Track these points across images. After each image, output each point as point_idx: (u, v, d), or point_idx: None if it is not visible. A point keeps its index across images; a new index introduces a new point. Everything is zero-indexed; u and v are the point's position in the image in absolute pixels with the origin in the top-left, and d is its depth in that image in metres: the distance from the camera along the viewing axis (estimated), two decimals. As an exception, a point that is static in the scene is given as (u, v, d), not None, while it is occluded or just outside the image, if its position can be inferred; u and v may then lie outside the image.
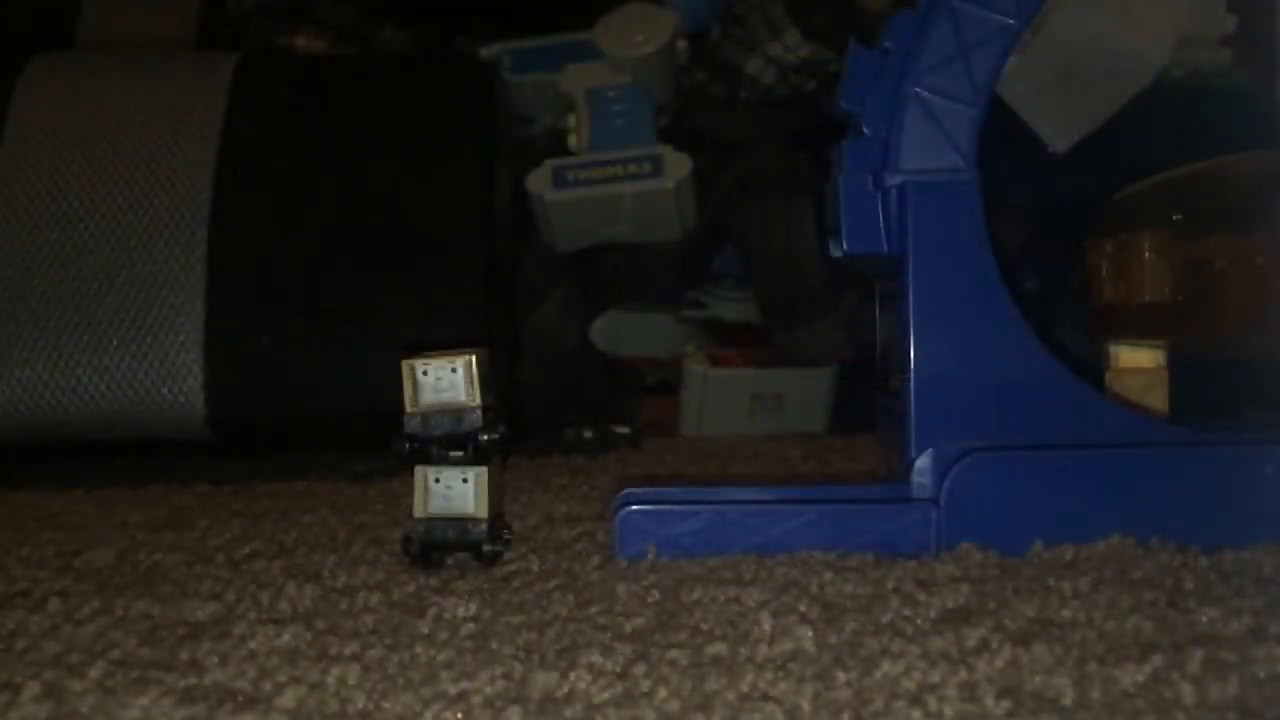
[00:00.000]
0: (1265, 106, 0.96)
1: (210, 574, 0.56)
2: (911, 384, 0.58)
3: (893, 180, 0.59)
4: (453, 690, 0.39)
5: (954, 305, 0.59)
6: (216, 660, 0.43)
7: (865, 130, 0.60)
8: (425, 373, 0.55)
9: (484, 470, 0.56)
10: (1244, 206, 0.64)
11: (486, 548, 0.56)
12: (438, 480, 0.56)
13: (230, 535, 0.66)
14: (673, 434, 1.13)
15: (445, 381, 0.55)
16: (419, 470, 0.56)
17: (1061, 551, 0.55)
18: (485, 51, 1.14)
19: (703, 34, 1.17)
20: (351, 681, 0.40)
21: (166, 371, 0.83)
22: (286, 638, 0.45)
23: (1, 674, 0.42)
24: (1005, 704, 0.37)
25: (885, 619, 0.46)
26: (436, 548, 0.56)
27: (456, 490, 0.56)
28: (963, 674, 0.40)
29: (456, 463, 0.56)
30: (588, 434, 1.06)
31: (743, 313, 1.17)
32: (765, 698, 0.38)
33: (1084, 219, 0.76)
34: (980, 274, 0.59)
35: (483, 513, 0.56)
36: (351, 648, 0.44)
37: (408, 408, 0.55)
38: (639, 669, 0.41)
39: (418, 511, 0.56)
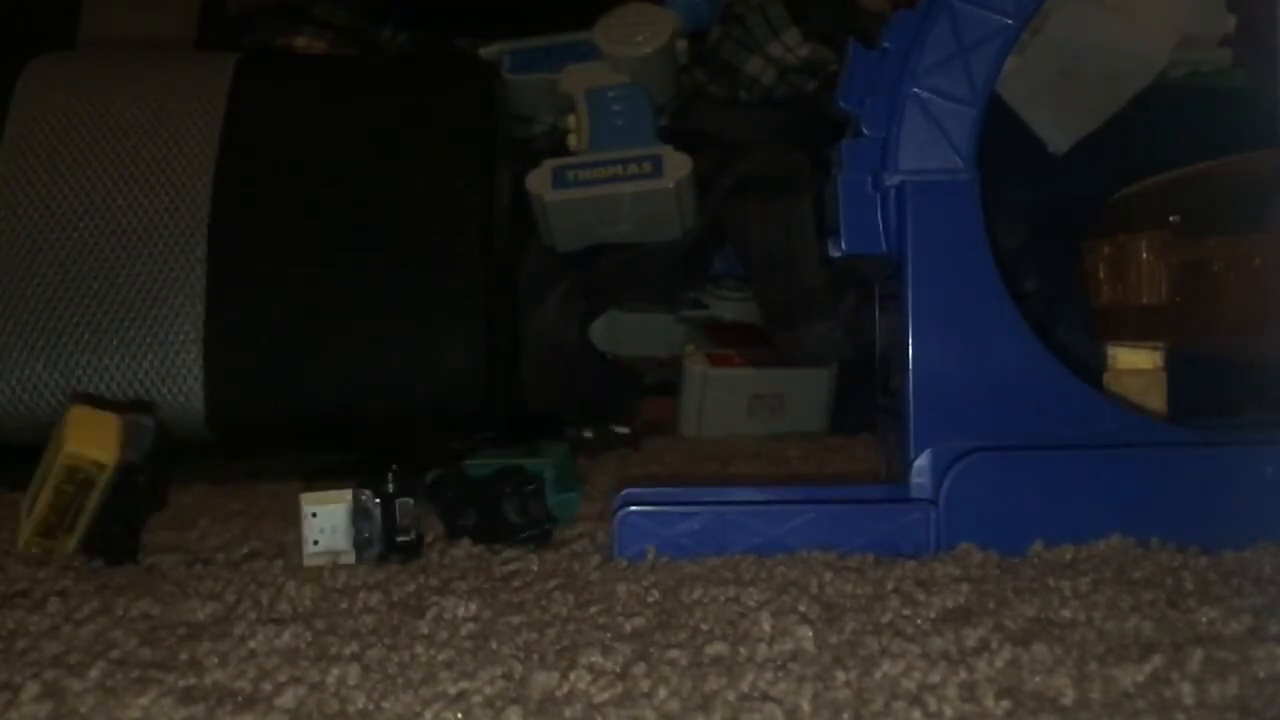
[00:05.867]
0: (1265, 106, 0.96)
1: (210, 574, 0.56)
2: (911, 384, 0.58)
3: (892, 180, 0.59)
4: (453, 690, 0.39)
5: (953, 305, 0.59)
6: (216, 660, 0.43)
7: (864, 130, 0.60)
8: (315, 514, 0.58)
9: None
10: (1243, 207, 0.64)
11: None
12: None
13: (230, 535, 0.66)
14: (673, 434, 1.12)
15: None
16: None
17: (1061, 551, 0.55)
18: (485, 51, 1.14)
19: (703, 34, 1.16)
20: (351, 681, 0.40)
21: (166, 371, 0.83)
22: (286, 638, 0.45)
23: (1, 674, 0.42)
24: (1005, 704, 0.37)
25: (885, 619, 0.46)
26: None
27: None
28: (963, 674, 0.40)
29: None
30: (588, 434, 1.06)
31: (743, 313, 1.17)
32: (765, 698, 0.38)
33: (1084, 219, 0.76)
34: (980, 274, 0.59)
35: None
36: (351, 648, 0.44)
37: None
38: (639, 669, 0.41)
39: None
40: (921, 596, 0.49)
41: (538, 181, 1.07)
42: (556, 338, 1.09)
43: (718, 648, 0.43)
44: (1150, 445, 0.58)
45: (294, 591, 0.52)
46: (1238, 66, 1.07)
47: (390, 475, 0.59)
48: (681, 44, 1.13)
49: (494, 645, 0.44)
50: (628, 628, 0.46)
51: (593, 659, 0.42)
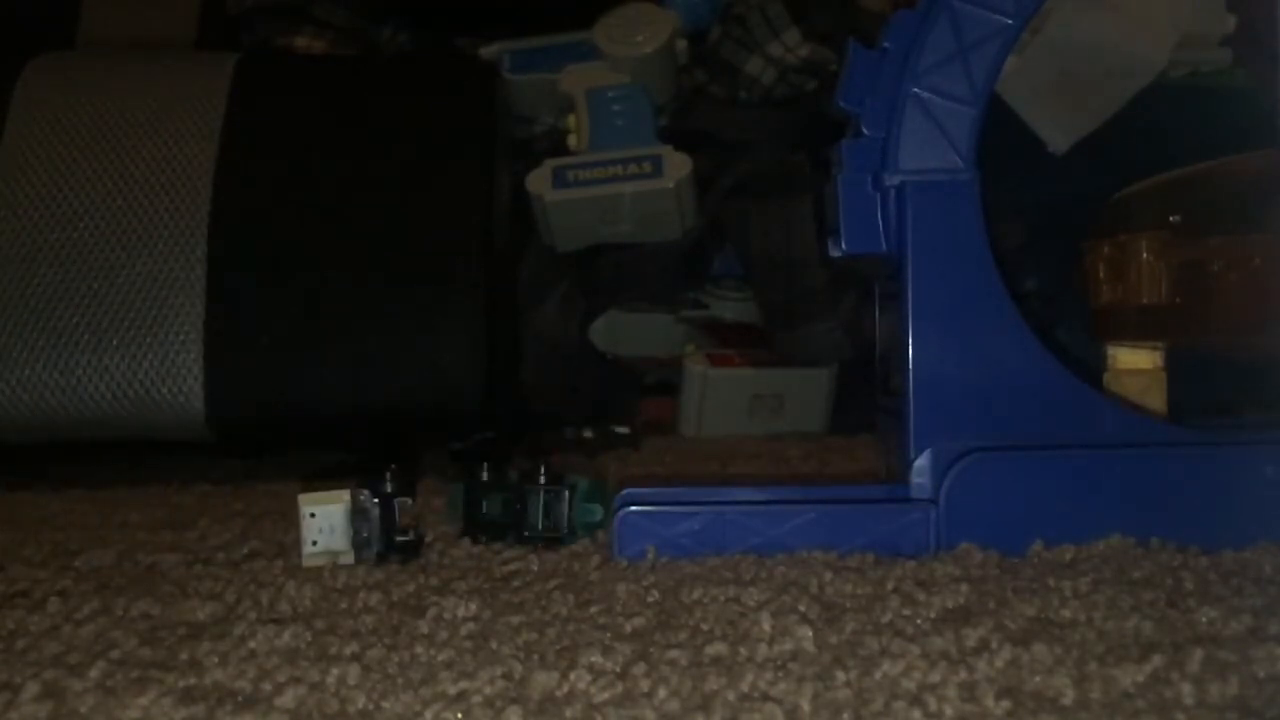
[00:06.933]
0: (1265, 106, 0.96)
1: (210, 574, 0.56)
2: (911, 384, 0.58)
3: (892, 180, 0.59)
4: (453, 690, 0.39)
5: (953, 305, 0.59)
6: (216, 660, 0.43)
7: (864, 130, 0.60)
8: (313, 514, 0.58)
9: None
10: (1243, 207, 0.64)
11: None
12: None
13: (230, 535, 0.66)
14: (673, 434, 1.12)
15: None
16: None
17: (1061, 551, 0.55)
18: (485, 51, 1.14)
19: (703, 34, 1.17)
20: (351, 681, 0.40)
21: (166, 371, 0.83)
22: (286, 638, 0.45)
23: (1, 674, 0.42)
24: (1005, 704, 0.37)
25: (885, 619, 0.46)
26: None
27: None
28: (963, 674, 0.40)
29: None
30: (588, 434, 1.06)
31: (743, 313, 1.17)
32: (765, 698, 0.38)
33: (1084, 219, 0.76)
34: (980, 274, 0.59)
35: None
36: (351, 648, 0.44)
37: None
38: (639, 669, 0.41)
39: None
40: (921, 596, 0.49)
41: (538, 181, 1.07)
42: (556, 338, 1.09)
43: (718, 648, 0.43)
44: (1150, 445, 0.58)
45: (294, 591, 0.52)
46: (1238, 66, 1.07)
47: (388, 475, 0.59)
48: (681, 44, 1.13)
49: (494, 645, 0.44)
50: (628, 628, 0.46)
51: (593, 659, 0.42)
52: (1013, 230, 1.03)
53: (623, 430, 1.07)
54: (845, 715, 0.37)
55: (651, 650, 0.43)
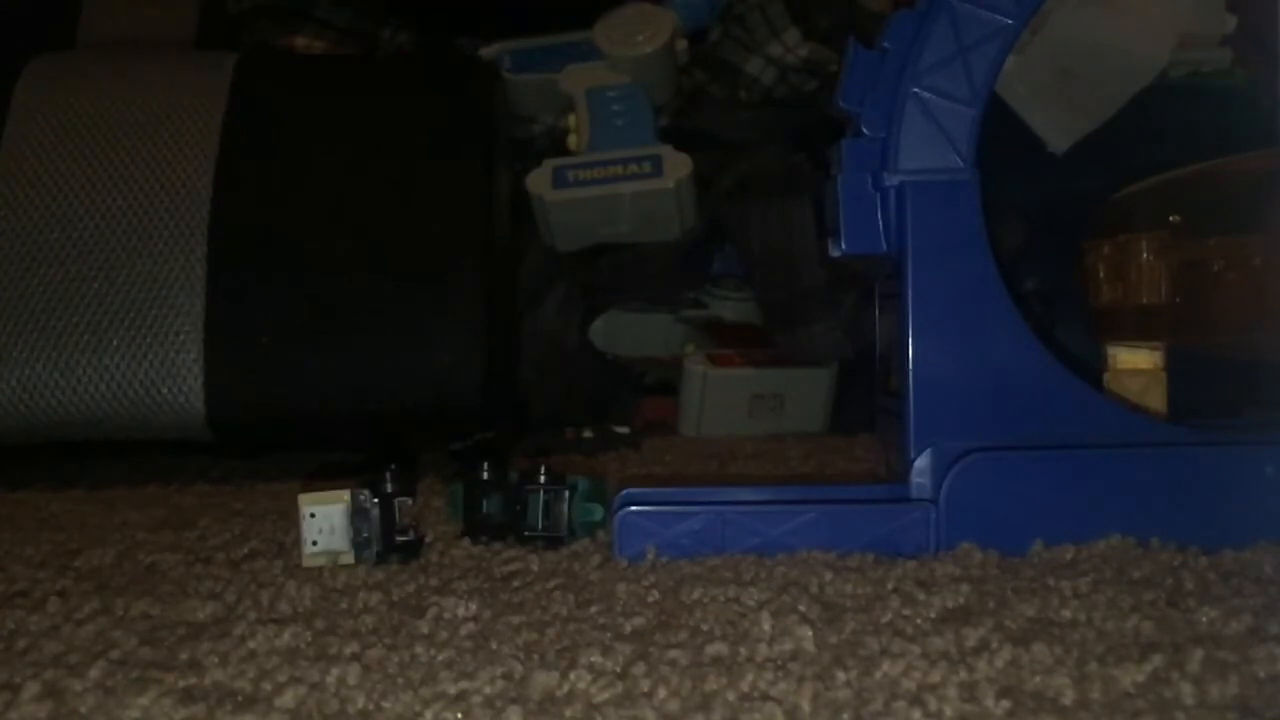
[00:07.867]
0: (1265, 106, 0.96)
1: (210, 574, 0.56)
2: (911, 384, 0.58)
3: (892, 180, 0.59)
4: (453, 690, 0.39)
5: (953, 305, 0.59)
6: (216, 660, 0.43)
7: (864, 130, 0.60)
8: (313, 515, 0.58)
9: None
10: (1243, 207, 0.64)
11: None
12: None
13: (230, 535, 0.66)
14: (673, 434, 1.13)
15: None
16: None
17: (1061, 551, 0.55)
18: (485, 51, 1.14)
19: (703, 34, 1.17)
20: (351, 681, 0.40)
21: (166, 371, 0.83)
22: (286, 638, 0.45)
23: (1, 674, 0.42)
24: (1005, 704, 0.37)
25: (885, 619, 0.46)
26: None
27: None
28: (963, 674, 0.40)
29: None
30: (588, 434, 1.06)
31: (743, 313, 1.17)
32: (765, 698, 0.38)
33: (1084, 218, 0.76)
34: (980, 274, 0.59)
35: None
36: (351, 648, 0.44)
37: None
38: (639, 669, 0.41)
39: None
40: (921, 596, 0.49)
41: (538, 181, 1.07)
42: (556, 338, 1.09)
43: (718, 648, 0.43)
44: (1150, 445, 0.58)
45: (294, 591, 0.52)
46: (1238, 66, 1.07)
47: (388, 475, 0.59)
48: (681, 44, 1.13)
49: (494, 645, 0.44)
50: (628, 628, 0.46)
51: (593, 659, 0.42)
52: (1013, 230, 1.03)
53: (623, 430, 1.07)
54: (845, 715, 0.37)
55: (651, 650, 0.43)
